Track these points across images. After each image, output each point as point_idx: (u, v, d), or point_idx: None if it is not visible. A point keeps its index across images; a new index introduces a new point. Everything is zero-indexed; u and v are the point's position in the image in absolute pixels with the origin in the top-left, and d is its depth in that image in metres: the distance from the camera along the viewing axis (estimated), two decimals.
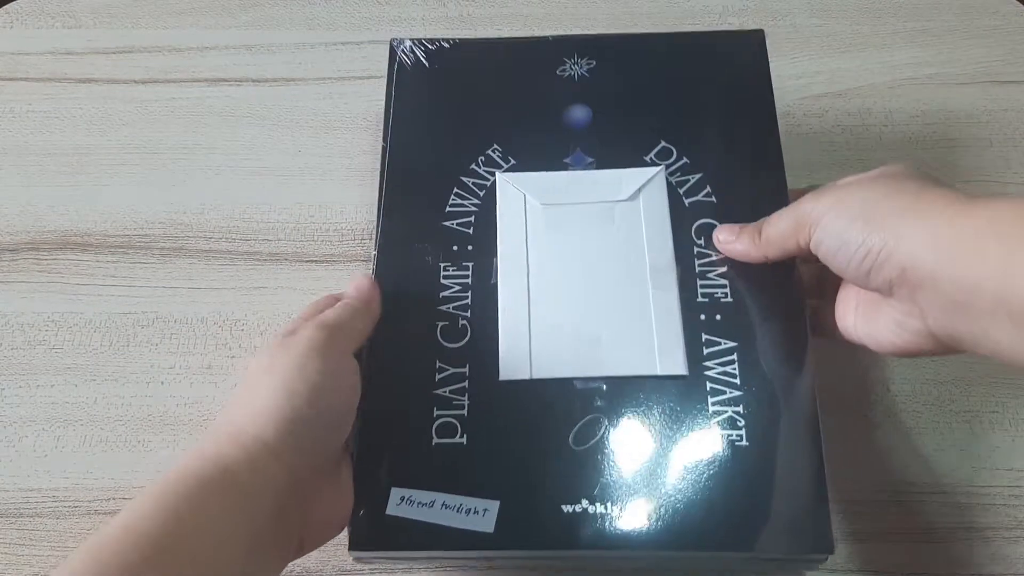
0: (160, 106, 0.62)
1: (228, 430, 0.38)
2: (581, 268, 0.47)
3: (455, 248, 0.47)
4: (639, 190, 0.49)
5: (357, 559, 0.42)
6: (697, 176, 0.49)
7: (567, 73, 0.53)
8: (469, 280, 0.46)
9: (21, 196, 0.58)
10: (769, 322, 0.45)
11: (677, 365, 0.44)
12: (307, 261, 0.55)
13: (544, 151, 0.50)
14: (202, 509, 0.35)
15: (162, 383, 0.51)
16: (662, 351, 0.44)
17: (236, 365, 0.52)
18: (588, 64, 0.53)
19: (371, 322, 0.45)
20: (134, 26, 0.67)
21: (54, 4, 0.68)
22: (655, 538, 0.40)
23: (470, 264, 0.47)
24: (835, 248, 0.40)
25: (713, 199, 0.48)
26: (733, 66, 0.53)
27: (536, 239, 0.47)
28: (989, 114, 0.62)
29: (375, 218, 0.48)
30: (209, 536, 0.34)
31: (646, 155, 0.50)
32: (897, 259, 0.37)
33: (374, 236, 0.48)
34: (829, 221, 0.41)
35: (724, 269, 0.46)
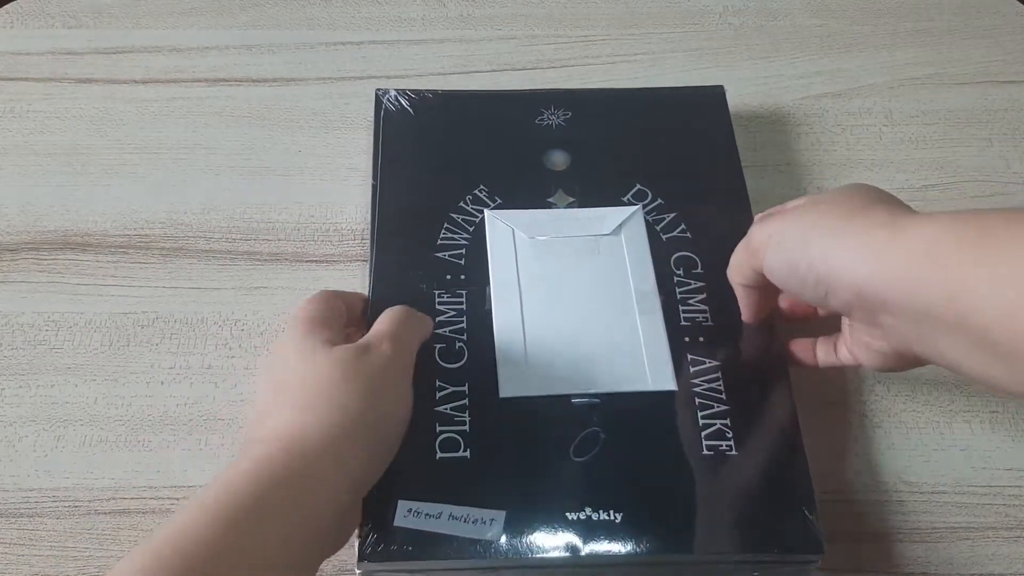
0: (160, 106, 0.62)
1: (282, 435, 0.38)
2: (571, 294, 0.49)
3: (448, 277, 0.50)
4: (620, 225, 0.52)
5: (365, 573, 0.42)
6: (672, 215, 0.53)
7: (545, 122, 0.57)
8: (463, 306, 0.49)
9: (21, 196, 0.58)
10: (748, 342, 0.48)
11: (667, 380, 0.46)
12: (307, 261, 0.55)
13: (528, 191, 0.53)
14: (261, 516, 0.35)
15: (162, 383, 0.51)
16: (652, 368, 0.47)
17: (236, 365, 0.52)
18: (565, 115, 0.57)
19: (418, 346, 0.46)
20: (134, 26, 0.67)
21: (54, 4, 0.68)
22: (657, 543, 0.41)
23: (463, 292, 0.49)
24: (786, 274, 0.40)
25: (688, 235, 0.52)
26: (698, 117, 0.58)
27: (526, 268, 0.50)
28: (989, 114, 0.62)
29: (370, 241, 0.51)
30: (268, 544, 0.35)
31: (623, 196, 0.54)
32: (846, 284, 0.37)
33: (368, 266, 0.50)
34: (773, 248, 0.41)
35: (704, 296, 0.49)
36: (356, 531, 0.42)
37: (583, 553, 0.41)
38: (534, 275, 0.50)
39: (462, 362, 0.47)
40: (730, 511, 0.43)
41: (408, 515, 0.42)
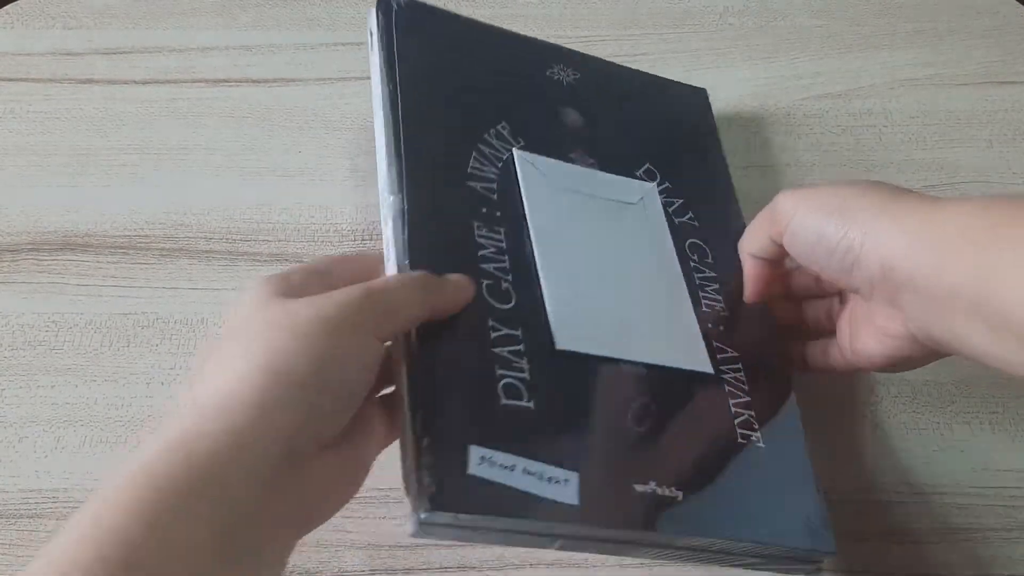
0: (161, 107, 0.62)
1: (204, 401, 0.33)
2: (606, 257, 0.46)
3: (484, 210, 0.45)
4: (642, 199, 0.50)
5: (424, 526, 0.35)
6: (680, 201, 0.51)
7: (556, 77, 0.54)
8: (504, 244, 0.44)
9: (21, 197, 0.58)
10: (762, 334, 0.47)
11: (703, 363, 0.44)
12: (308, 262, 0.55)
13: (548, 143, 0.50)
14: (176, 513, 0.30)
15: (162, 384, 0.51)
16: (690, 348, 0.45)
17: None
18: (574, 75, 0.55)
19: (424, 315, 0.39)
20: (135, 27, 0.67)
21: (55, 5, 0.68)
22: (715, 527, 0.40)
23: (501, 229, 0.44)
24: (812, 241, 0.40)
25: (696, 223, 0.50)
26: (687, 114, 0.57)
27: (559, 219, 0.47)
28: (989, 114, 0.62)
29: (394, 182, 0.44)
30: (182, 542, 0.30)
31: (636, 171, 0.51)
32: (876, 258, 0.37)
33: (393, 185, 0.44)
34: (804, 214, 0.40)
35: (718, 286, 0.48)
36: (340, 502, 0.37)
37: (655, 529, 0.38)
38: (568, 228, 0.46)
39: (512, 304, 0.42)
40: (764, 504, 0.42)
41: (482, 463, 0.36)
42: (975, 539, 0.46)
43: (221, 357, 0.35)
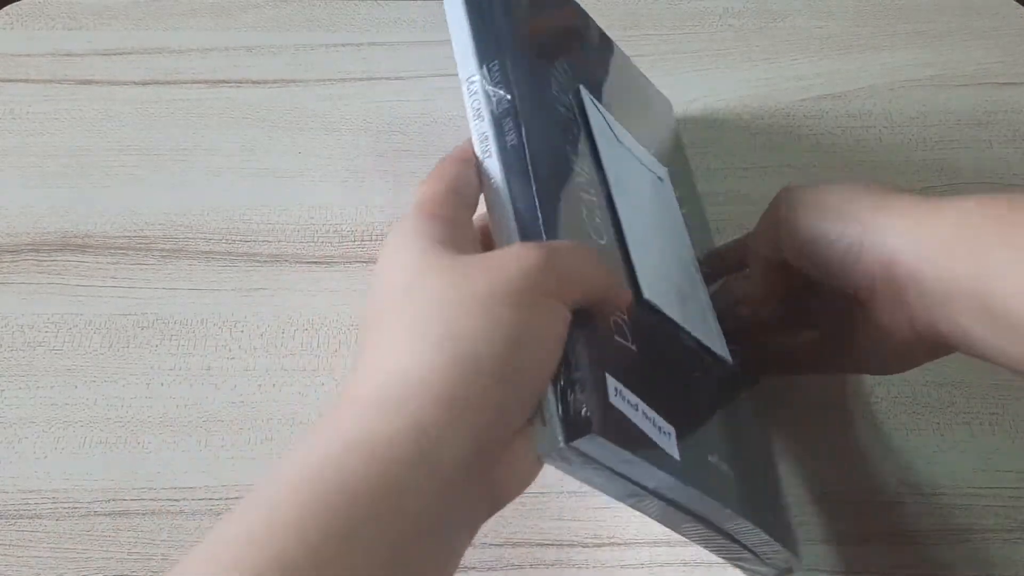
0: (160, 108, 0.62)
1: (382, 391, 0.29)
2: (656, 223, 0.45)
3: (567, 134, 0.41)
4: (664, 179, 0.49)
5: (565, 451, 0.32)
6: (678, 195, 0.50)
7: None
8: (592, 176, 0.41)
9: (21, 197, 0.58)
10: (753, 336, 0.47)
11: (724, 351, 0.44)
12: (307, 263, 0.55)
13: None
14: (358, 521, 0.27)
15: (162, 384, 0.51)
16: (714, 334, 0.45)
17: (236, 367, 0.51)
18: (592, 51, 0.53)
19: (603, 290, 0.35)
20: (134, 27, 0.67)
21: (54, 5, 0.68)
22: (751, 513, 0.39)
23: (585, 160, 0.41)
24: (812, 239, 0.39)
25: (690, 220, 0.50)
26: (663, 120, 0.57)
27: (620, 171, 0.44)
28: (989, 115, 0.62)
29: (495, 73, 0.39)
30: (364, 553, 0.27)
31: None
32: (877, 255, 0.37)
33: (494, 76, 0.39)
34: (804, 212, 0.40)
35: (713, 284, 0.48)
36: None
37: (721, 501, 0.36)
38: (627, 181, 0.44)
39: (604, 241, 0.39)
40: (774, 502, 0.42)
41: (616, 395, 0.33)
42: (975, 539, 0.46)
43: (392, 331, 0.31)
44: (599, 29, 0.55)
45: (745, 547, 0.40)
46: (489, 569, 0.45)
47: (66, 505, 0.47)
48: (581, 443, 0.31)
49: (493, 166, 0.37)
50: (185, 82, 0.63)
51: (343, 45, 0.66)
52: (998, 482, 0.48)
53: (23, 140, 0.61)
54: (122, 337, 0.53)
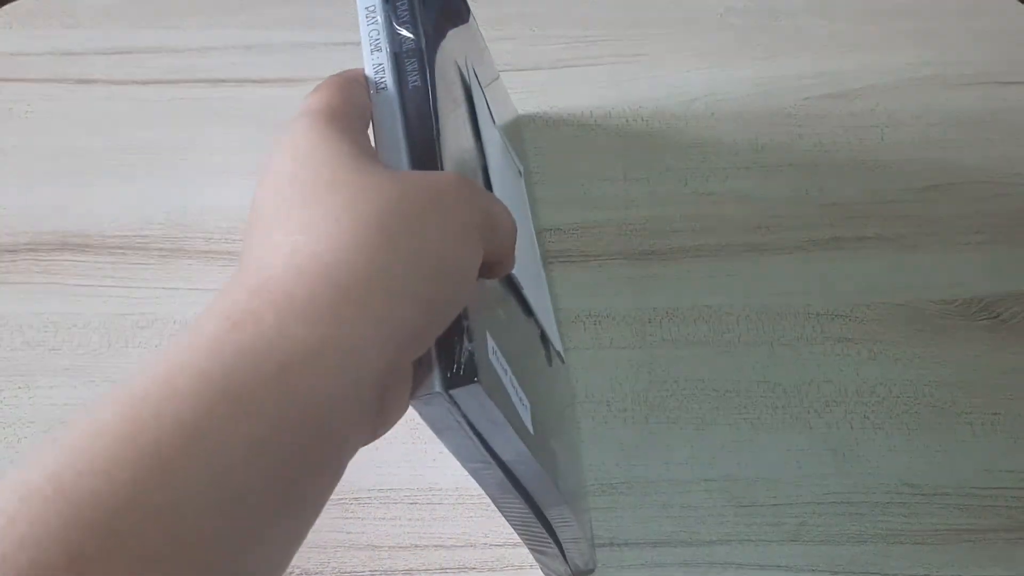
0: (160, 107, 0.62)
1: (302, 261, 0.26)
2: (519, 208, 0.46)
3: (458, 98, 0.41)
4: (521, 172, 0.50)
5: (440, 397, 0.30)
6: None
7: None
8: (473, 145, 0.41)
9: (20, 197, 0.58)
10: None
11: (560, 344, 0.47)
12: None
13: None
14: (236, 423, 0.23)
15: None
16: (553, 326, 0.47)
17: None
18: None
19: (510, 247, 0.33)
20: (134, 27, 0.66)
21: (54, 5, 0.68)
22: (576, 505, 0.41)
23: (468, 128, 0.41)
24: None
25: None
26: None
27: (493, 148, 0.43)
28: (991, 114, 0.62)
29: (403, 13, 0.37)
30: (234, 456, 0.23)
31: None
32: None
33: (401, 14, 0.37)
34: None
35: None
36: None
37: (559, 489, 0.37)
38: (497, 160, 0.43)
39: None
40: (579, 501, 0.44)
41: (494, 355, 0.32)
42: (976, 540, 0.46)
43: (311, 216, 0.27)
44: (470, 10, 0.52)
45: (556, 540, 0.40)
46: (489, 569, 0.45)
47: None
48: (460, 393, 0.30)
49: (387, 101, 0.35)
50: (185, 81, 0.63)
51: (343, 44, 0.66)
52: (999, 482, 0.48)
53: (22, 139, 0.61)
54: (121, 337, 0.52)
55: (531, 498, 0.37)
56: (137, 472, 0.22)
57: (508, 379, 0.33)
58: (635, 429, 0.49)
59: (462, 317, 0.30)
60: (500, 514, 0.37)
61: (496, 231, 0.31)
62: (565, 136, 0.61)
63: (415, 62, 0.36)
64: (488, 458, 0.34)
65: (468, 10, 0.50)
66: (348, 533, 0.46)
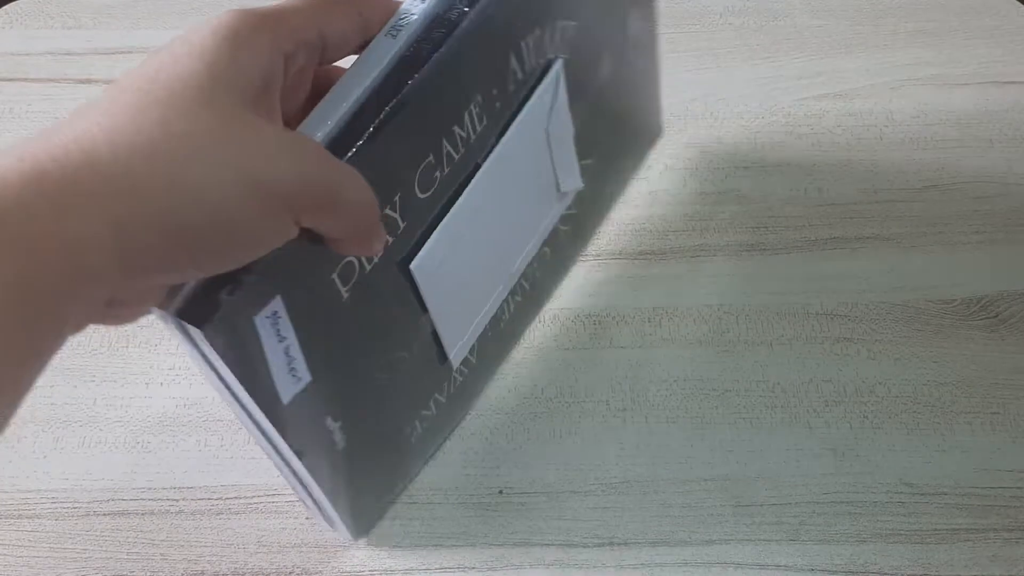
0: None
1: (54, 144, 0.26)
2: (499, 220, 0.46)
3: (494, 82, 0.41)
4: (565, 192, 0.49)
5: (165, 312, 0.31)
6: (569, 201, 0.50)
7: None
8: (482, 134, 0.41)
9: None
10: None
11: (460, 356, 0.47)
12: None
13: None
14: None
15: (161, 384, 0.51)
16: (471, 340, 0.47)
17: None
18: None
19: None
20: (134, 26, 0.67)
21: (54, 4, 0.68)
22: (333, 479, 0.42)
23: (490, 115, 0.41)
24: None
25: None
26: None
27: (512, 157, 0.44)
28: (990, 114, 0.62)
29: None
30: None
31: (584, 160, 0.49)
32: None
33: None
34: None
35: None
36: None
37: (284, 448, 0.38)
38: (512, 170, 0.44)
39: (424, 194, 0.39)
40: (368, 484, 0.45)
41: (267, 318, 0.33)
42: (976, 539, 0.46)
43: (134, 112, 0.29)
44: (652, 23, 0.52)
45: (316, 504, 0.42)
46: (489, 569, 0.45)
47: (66, 505, 0.47)
48: (190, 328, 0.31)
49: (378, 51, 0.35)
50: None
51: None
52: (999, 482, 0.48)
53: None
54: (122, 337, 0.52)
55: (283, 459, 0.39)
56: None
57: (283, 348, 0.34)
58: (635, 429, 0.49)
59: (245, 271, 0.31)
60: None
61: (332, 208, 0.31)
62: None
63: (443, 29, 0.36)
64: (232, 399, 0.35)
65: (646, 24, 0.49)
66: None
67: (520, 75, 0.41)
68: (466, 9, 0.36)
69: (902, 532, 0.46)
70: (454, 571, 0.45)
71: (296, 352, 0.35)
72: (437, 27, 0.36)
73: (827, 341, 0.52)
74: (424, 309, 0.42)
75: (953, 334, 0.52)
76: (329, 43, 0.33)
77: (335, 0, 0.33)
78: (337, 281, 0.36)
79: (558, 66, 0.43)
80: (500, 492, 0.48)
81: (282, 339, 0.34)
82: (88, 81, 0.63)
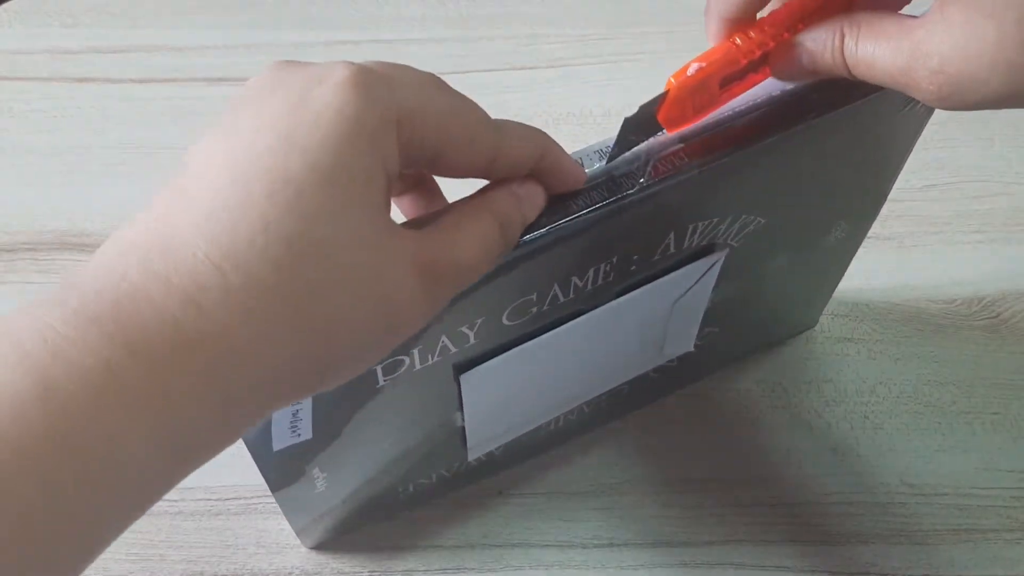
0: (159, 106, 0.62)
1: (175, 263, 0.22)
2: (568, 373, 0.44)
3: (625, 237, 0.36)
4: (674, 361, 0.47)
5: None
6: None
7: None
8: (585, 296, 0.38)
9: (18, 196, 0.58)
10: None
11: (474, 454, 0.44)
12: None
13: None
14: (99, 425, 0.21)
15: None
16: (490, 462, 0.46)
17: None
18: None
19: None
20: (133, 26, 0.66)
21: (52, 3, 0.68)
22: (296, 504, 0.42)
23: (600, 277, 0.38)
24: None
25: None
26: None
27: (611, 324, 0.41)
28: (990, 113, 0.62)
29: None
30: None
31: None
32: None
33: None
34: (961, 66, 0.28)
35: None
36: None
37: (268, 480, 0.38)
38: (605, 338, 0.41)
39: (509, 322, 0.37)
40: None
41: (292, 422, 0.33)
42: (976, 539, 0.46)
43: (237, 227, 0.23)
44: (859, 236, 0.46)
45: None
46: (489, 570, 0.45)
47: None
48: None
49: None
50: (184, 80, 0.63)
51: (342, 43, 0.65)
52: (999, 482, 0.48)
53: (20, 138, 0.60)
54: None
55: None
56: None
57: (287, 409, 0.33)
58: (636, 429, 0.49)
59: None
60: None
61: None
62: (565, 136, 0.60)
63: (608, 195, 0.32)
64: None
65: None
66: (348, 533, 0.46)
67: (672, 250, 0.37)
68: (642, 182, 0.33)
69: (902, 532, 0.46)
70: (454, 571, 0.45)
71: (306, 415, 0.34)
72: (602, 189, 0.33)
73: (828, 341, 0.52)
74: (460, 408, 0.40)
75: (953, 334, 0.52)
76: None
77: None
78: (379, 371, 0.34)
79: (720, 259, 0.39)
80: (500, 492, 0.47)
81: (296, 406, 0.33)
82: (86, 80, 0.63)
